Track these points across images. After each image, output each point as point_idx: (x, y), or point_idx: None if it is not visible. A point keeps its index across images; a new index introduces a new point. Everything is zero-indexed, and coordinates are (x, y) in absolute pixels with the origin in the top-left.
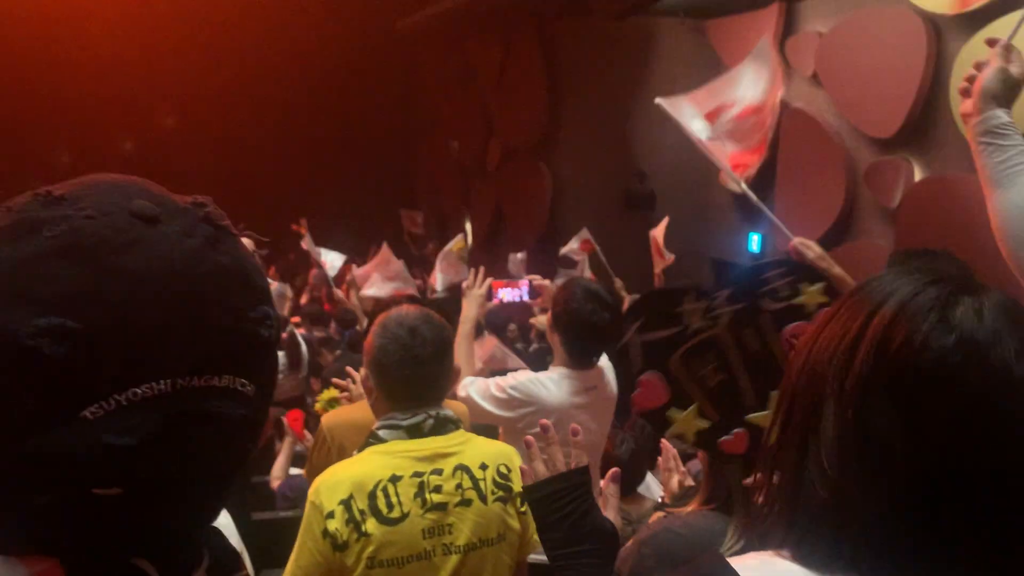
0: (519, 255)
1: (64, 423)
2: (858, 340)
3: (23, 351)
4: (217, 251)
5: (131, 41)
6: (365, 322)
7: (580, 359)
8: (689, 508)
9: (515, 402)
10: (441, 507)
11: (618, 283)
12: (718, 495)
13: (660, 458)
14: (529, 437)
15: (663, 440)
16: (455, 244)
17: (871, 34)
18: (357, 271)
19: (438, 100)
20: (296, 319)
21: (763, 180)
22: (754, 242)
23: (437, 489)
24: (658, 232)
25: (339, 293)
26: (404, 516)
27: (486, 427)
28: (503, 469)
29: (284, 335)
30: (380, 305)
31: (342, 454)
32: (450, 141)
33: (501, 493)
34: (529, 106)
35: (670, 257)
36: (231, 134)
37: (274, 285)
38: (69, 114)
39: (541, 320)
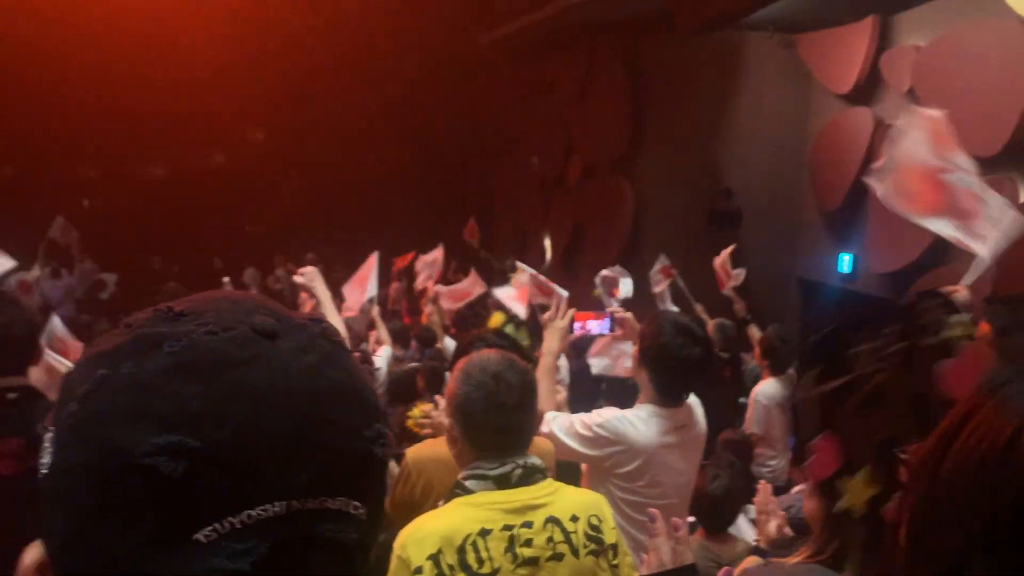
0: (608, 271)
1: (177, 546)
2: (1007, 463)
3: (139, 470)
4: (333, 367)
5: (222, 58)
6: (445, 339)
7: (670, 396)
8: (794, 559)
9: (602, 440)
10: (532, 562)
11: (698, 308)
12: (829, 548)
13: (756, 499)
14: (654, 510)
15: (761, 481)
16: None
17: (972, 48)
18: (440, 289)
19: (519, 116)
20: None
21: (857, 199)
22: (845, 263)
23: (528, 543)
24: (721, 260)
25: (430, 310)
26: (495, 572)
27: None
28: (594, 520)
29: (357, 354)
30: (459, 318)
31: (428, 490)
32: (531, 157)
33: (593, 546)
34: (611, 121)
35: (737, 273)
36: (314, 150)
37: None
38: (164, 129)
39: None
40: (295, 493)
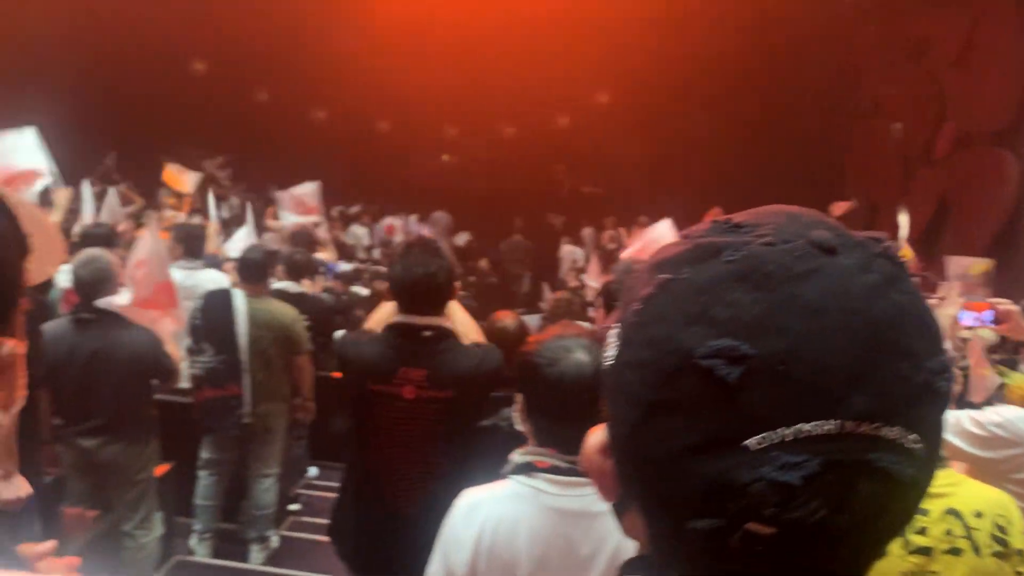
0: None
1: (727, 449)
2: None
3: (697, 370)
4: (895, 289)
5: (568, 25)
6: None
7: None
8: None
9: (998, 441)
10: (925, 551)
11: None
12: None
13: None
14: None
15: None
16: (977, 267)
17: None
18: None
19: (882, 79)
20: None
21: None
22: None
23: (922, 531)
24: None
25: None
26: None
27: None
28: (1001, 521)
29: None
30: None
31: None
32: (892, 124)
33: (998, 548)
34: (996, 86)
35: None
36: (659, 113)
37: None
38: (513, 91)
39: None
40: (849, 414)
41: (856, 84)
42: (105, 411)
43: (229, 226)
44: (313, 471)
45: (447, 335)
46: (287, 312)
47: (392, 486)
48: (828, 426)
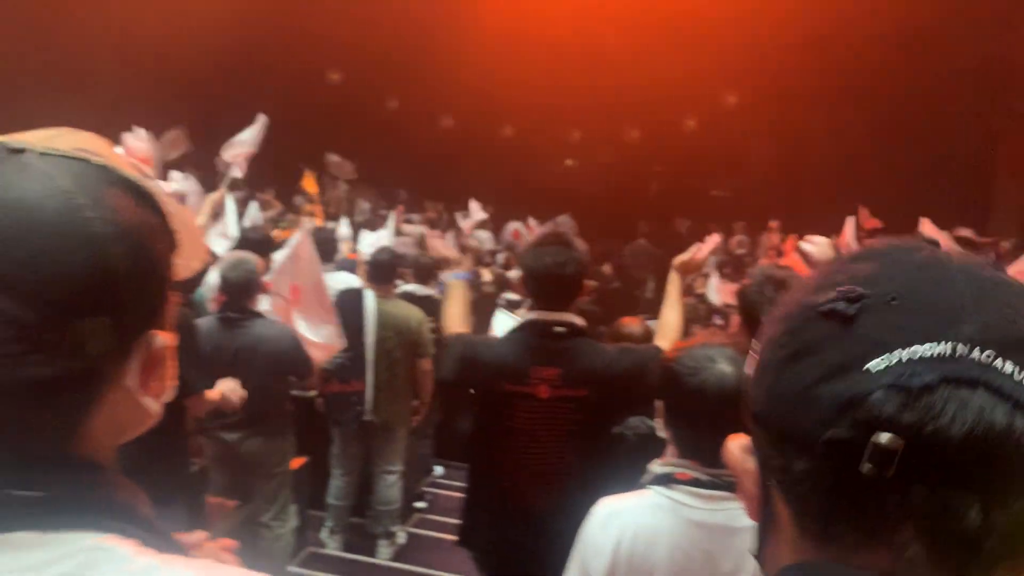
0: None
1: (851, 373)
2: None
3: (820, 316)
4: (1001, 271)
5: (695, 21)
6: None
7: None
8: None
9: None
10: None
11: None
12: None
13: None
14: None
15: None
16: None
17: None
18: None
19: None
20: None
21: None
22: None
23: None
24: None
25: None
26: None
27: None
28: None
29: None
30: None
31: None
32: None
33: None
34: None
35: None
36: (789, 113)
37: None
38: (637, 93)
39: None
40: (961, 337)
41: (1008, 80)
42: (247, 406)
43: (359, 229)
44: (439, 470)
45: (579, 332)
46: (414, 315)
47: (528, 485)
48: (941, 347)
